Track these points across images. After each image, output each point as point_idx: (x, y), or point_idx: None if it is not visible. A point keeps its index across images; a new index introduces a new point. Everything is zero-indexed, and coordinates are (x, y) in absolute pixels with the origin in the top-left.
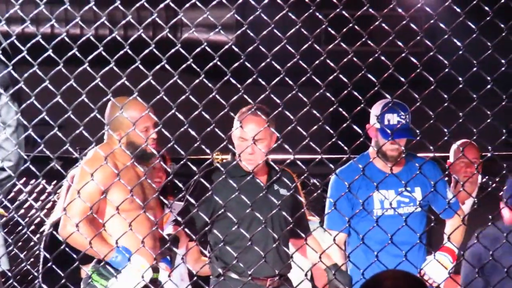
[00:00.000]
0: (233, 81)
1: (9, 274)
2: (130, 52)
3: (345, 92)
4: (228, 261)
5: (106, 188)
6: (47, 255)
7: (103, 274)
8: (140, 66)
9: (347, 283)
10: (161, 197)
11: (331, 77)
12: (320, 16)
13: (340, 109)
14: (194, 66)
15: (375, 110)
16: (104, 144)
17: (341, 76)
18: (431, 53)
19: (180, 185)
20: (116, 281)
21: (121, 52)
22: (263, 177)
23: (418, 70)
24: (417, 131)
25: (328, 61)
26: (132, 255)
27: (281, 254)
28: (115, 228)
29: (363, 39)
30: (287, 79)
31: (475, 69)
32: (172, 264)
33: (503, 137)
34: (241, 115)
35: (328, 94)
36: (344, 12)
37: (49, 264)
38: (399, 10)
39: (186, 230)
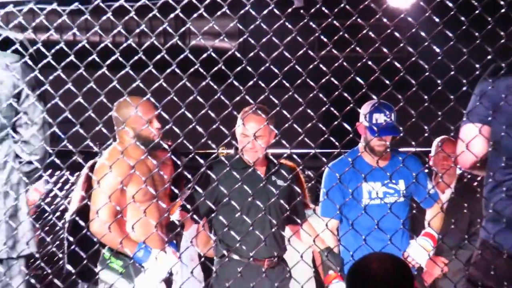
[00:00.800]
0: (236, 83)
1: (37, 255)
2: (143, 57)
3: (336, 93)
4: (230, 244)
5: (124, 181)
6: (71, 239)
7: (119, 256)
8: (153, 70)
9: (338, 264)
10: (173, 188)
11: (323, 80)
12: (313, 25)
13: (332, 109)
14: (201, 70)
15: (364, 110)
16: (116, 144)
17: (332, 79)
18: (413, 59)
19: (189, 176)
20: (143, 274)
21: (136, 58)
22: (262, 169)
23: (401, 74)
24: (401, 128)
25: (321, 65)
26: (153, 251)
27: (277, 238)
28: (131, 217)
29: (352, 46)
30: (284, 81)
31: (452, 73)
32: (178, 247)
33: (477, 134)
34: (243, 113)
35: (321, 95)
36: (335, 21)
37: (72, 247)
38: (384, 20)
39: (193, 216)
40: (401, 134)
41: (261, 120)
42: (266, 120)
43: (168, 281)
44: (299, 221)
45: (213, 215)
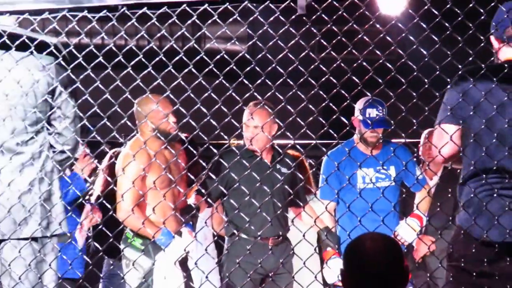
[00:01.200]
0: (246, 82)
1: (68, 234)
2: (164, 58)
3: (334, 90)
4: (239, 225)
5: (146, 170)
6: (98, 219)
7: (140, 236)
8: (172, 70)
9: (336, 242)
10: (189, 174)
11: (323, 79)
12: (314, 31)
13: (331, 104)
14: (215, 70)
15: (359, 105)
16: (137, 137)
17: (331, 78)
18: (403, 60)
19: (204, 164)
20: (164, 254)
21: (157, 59)
22: (268, 157)
23: (392, 74)
24: (391, 121)
25: (321, 66)
26: (174, 238)
27: (281, 219)
28: (151, 201)
29: (349, 49)
30: (288, 80)
31: (437, 73)
32: (194, 228)
33: (461, 126)
34: (248, 108)
35: (321, 92)
36: (334, 27)
37: (99, 227)
38: (377, 25)
39: (207, 200)
40: (392, 127)
41: (261, 113)
42: (267, 113)
43: (183, 259)
44: (301, 204)
45: (224, 198)
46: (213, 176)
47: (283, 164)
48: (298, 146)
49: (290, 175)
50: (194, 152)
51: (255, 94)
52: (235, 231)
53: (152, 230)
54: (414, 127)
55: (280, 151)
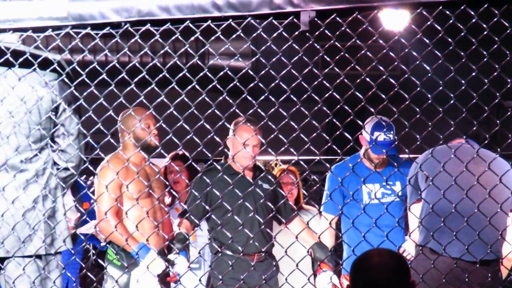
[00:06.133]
0: (249, 98)
1: (72, 252)
2: (167, 75)
3: (338, 106)
4: (223, 241)
5: (120, 182)
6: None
7: (115, 248)
8: (176, 86)
9: (327, 256)
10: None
11: (326, 95)
12: (318, 47)
13: (334, 120)
14: (218, 86)
15: (367, 124)
16: (119, 150)
17: (334, 93)
18: (406, 76)
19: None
20: (137, 271)
21: (160, 75)
22: (250, 174)
23: (395, 89)
24: (399, 144)
25: (324, 82)
26: (149, 252)
27: (265, 235)
28: (128, 214)
29: (352, 65)
30: (292, 96)
31: (440, 88)
32: (188, 256)
33: (463, 142)
34: (240, 125)
35: (324, 108)
36: (337, 43)
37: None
38: (380, 41)
39: (189, 218)
40: (397, 145)
41: (258, 131)
42: (259, 130)
43: (164, 274)
44: (284, 218)
45: (207, 215)
46: (196, 194)
47: (264, 180)
48: (301, 162)
49: (272, 192)
50: (198, 169)
51: (259, 110)
52: (219, 248)
53: (129, 242)
54: (418, 143)
55: (262, 167)
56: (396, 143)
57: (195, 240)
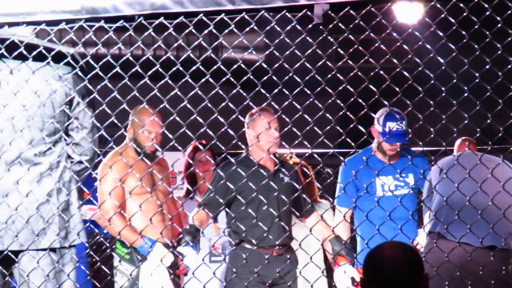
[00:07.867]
0: (263, 91)
1: (87, 245)
2: (181, 68)
3: (352, 99)
4: (243, 234)
5: (122, 176)
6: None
7: (124, 243)
8: (189, 80)
9: (345, 249)
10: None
11: (340, 88)
12: (331, 40)
13: (348, 113)
14: (232, 79)
15: (379, 116)
16: (123, 145)
17: (348, 87)
18: (419, 68)
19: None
20: (146, 264)
21: (174, 69)
22: (271, 167)
23: (409, 82)
24: (409, 131)
25: (338, 75)
26: (155, 244)
27: (284, 229)
28: (130, 207)
29: (366, 58)
30: (305, 89)
31: (454, 81)
32: (198, 249)
33: (477, 135)
34: (260, 112)
35: (338, 101)
36: (350, 36)
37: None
38: (394, 34)
39: (208, 210)
40: (409, 140)
41: (273, 114)
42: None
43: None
44: (303, 213)
45: (227, 209)
46: (216, 187)
47: (285, 173)
48: (315, 155)
49: (292, 185)
50: (212, 161)
51: (273, 103)
52: (238, 241)
53: (133, 238)
54: (432, 136)
55: (283, 160)
56: (408, 132)
57: (218, 233)
